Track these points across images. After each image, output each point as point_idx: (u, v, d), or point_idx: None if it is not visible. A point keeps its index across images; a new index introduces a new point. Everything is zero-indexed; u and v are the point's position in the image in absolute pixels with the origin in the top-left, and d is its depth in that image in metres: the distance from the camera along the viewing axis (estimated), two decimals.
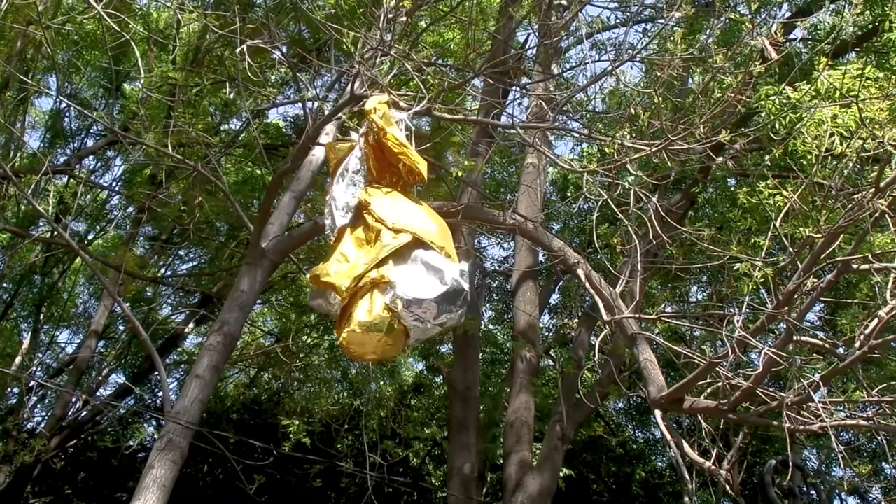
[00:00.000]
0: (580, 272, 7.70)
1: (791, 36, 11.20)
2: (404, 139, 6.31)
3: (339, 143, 6.85)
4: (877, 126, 6.84)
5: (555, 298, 19.48)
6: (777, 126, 8.50)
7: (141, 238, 18.32)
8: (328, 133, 8.95)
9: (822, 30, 12.18)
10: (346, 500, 19.13)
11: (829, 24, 11.98)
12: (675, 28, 7.87)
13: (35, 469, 15.84)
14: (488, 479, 17.44)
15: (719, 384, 6.58)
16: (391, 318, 5.60)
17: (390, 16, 7.36)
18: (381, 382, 16.39)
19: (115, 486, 18.84)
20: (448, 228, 6.40)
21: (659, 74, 6.93)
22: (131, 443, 19.43)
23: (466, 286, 5.73)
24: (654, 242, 8.31)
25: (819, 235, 5.83)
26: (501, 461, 13.50)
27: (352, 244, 5.99)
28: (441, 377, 18.51)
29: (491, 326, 20.45)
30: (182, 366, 19.67)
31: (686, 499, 15.98)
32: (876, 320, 5.35)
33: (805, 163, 8.43)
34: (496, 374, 19.23)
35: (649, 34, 13.02)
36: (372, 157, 6.36)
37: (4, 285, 18.14)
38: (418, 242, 5.83)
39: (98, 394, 18.79)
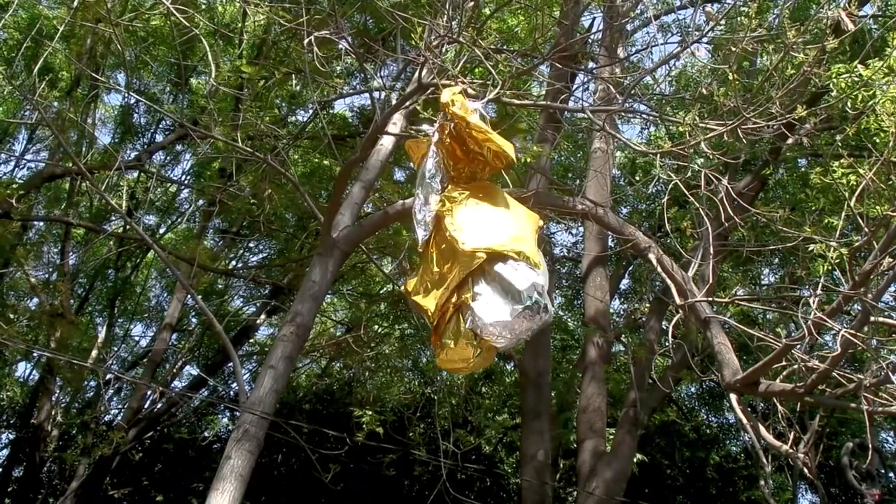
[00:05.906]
0: (651, 256, 7.65)
1: (861, 12, 11.02)
2: (486, 125, 6.27)
3: (420, 140, 6.80)
4: None
5: (625, 283, 19.39)
6: (849, 104, 8.35)
7: (211, 231, 18.50)
8: (396, 123, 8.97)
9: (894, 4, 11.96)
10: (419, 488, 19.20)
11: None
12: (745, 5, 7.75)
13: (114, 461, 16.07)
14: (561, 465, 17.44)
15: (795, 367, 6.50)
16: (477, 340, 5.69)
17: (456, 3, 7.33)
18: None
19: (192, 476, 19.10)
20: (532, 218, 6.38)
21: (733, 49, 6.83)
22: (206, 434, 19.73)
23: (544, 299, 5.71)
24: (726, 225, 8.22)
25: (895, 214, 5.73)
26: (575, 447, 13.47)
27: (436, 258, 6.02)
28: (512, 364, 18.50)
29: (561, 313, 20.40)
30: (255, 357, 19.86)
31: (762, 482, 15.87)
32: None
33: (878, 141, 8.28)
34: (567, 360, 19.18)
35: (717, 14, 12.91)
36: (450, 153, 6.31)
37: (80, 280, 18.46)
38: (495, 256, 5.79)
39: (173, 386, 19.06)
